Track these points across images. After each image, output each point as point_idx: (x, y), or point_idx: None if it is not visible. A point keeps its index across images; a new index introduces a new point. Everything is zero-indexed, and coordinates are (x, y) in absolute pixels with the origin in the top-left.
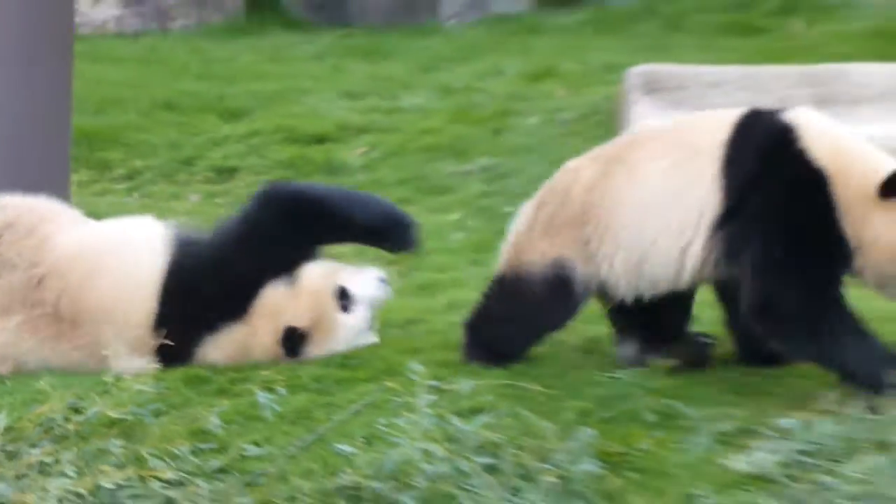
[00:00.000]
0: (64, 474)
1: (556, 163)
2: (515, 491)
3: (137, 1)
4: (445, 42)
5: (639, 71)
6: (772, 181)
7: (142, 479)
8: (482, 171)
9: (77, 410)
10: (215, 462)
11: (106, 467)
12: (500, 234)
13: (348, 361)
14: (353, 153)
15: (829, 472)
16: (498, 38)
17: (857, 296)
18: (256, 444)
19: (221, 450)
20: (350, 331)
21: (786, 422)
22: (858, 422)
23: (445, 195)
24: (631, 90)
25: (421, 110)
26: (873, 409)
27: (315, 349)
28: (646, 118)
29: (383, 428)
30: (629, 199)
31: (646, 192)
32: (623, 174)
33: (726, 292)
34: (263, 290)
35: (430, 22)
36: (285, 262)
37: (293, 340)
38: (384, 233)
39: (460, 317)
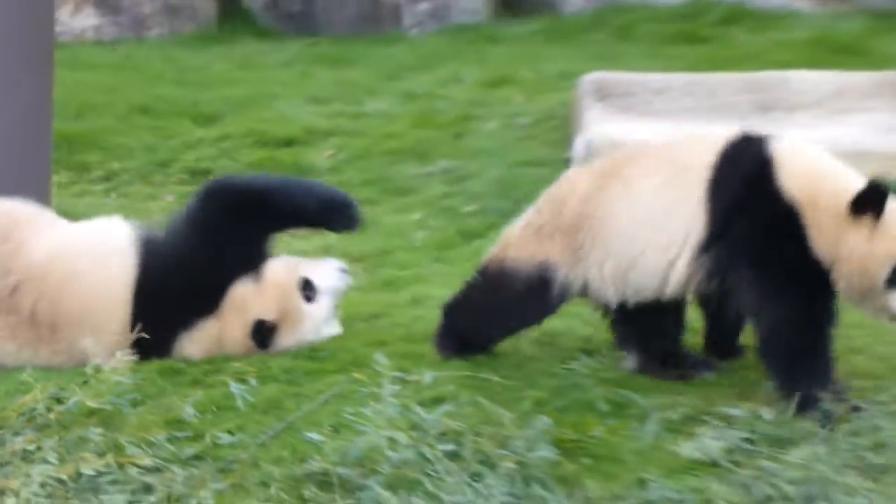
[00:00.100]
0: (46, 461)
1: (514, 165)
2: (476, 476)
3: (115, 11)
4: (408, 51)
5: (591, 78)
6: (751, 212)
7: (120, 465)
8: (443, 172)
9: (58, 400)
10: (190, 449)
11: (86, 454)
12: (461, 232)
13: (317, 354)
14: (320, 156)
15: (773, 459)
16: (457, 47)
17: None
18: (229, 432)
19: (196, 438)
20: (316, 320)
21: (731, 411)
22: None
23: (408, 196)
24: (583, 96)
25: (385, 115)
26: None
27: (284, 340)
28: (598, 123)
29: (350, 417)
30: (621, 211)
31: (638, 206)
32: (617, 187)
33: (709, 304)
34: (231, 286)
35: (393, 31)
36: (243, 256)
37: (263, 332)
38: (328, 215)
39: (423, 311)
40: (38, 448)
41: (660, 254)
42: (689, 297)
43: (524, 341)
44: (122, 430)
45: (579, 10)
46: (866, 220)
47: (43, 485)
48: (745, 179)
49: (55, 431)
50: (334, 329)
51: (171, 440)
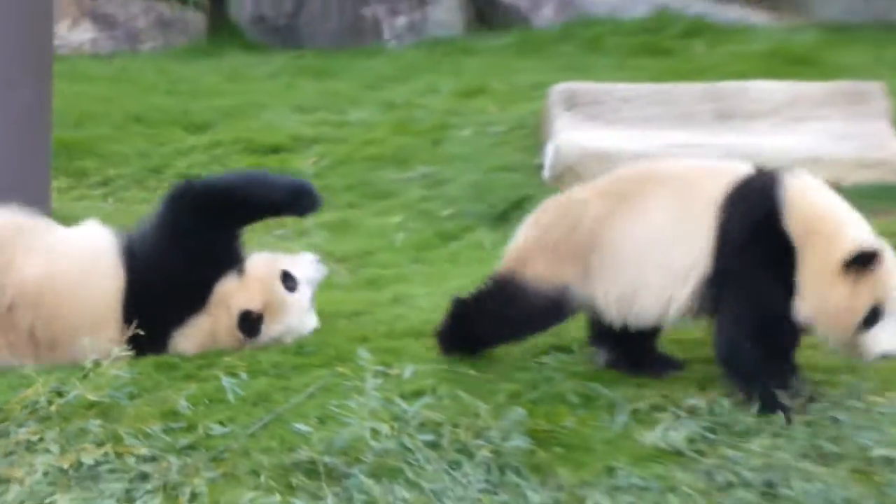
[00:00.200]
0: (48, 451)
1: (489, 170)
2: (454, 465)
3: (110, 25)
4: (388, 62)
5: (560, 88)
6: (751, 251)
7: (118, 455)
8: (422, 177)
9: (59, 394)
10: (184, 440)
11: (86, 445)
12: (439, 234)
13: (303, 349)
14: (305, 162)
15: (734, 447)
16: (434, 59)
17: None
18: (221, 423)
19: (189, 429)
20: (298, 309)
21: (693, 402)
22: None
23: (389, 200)
24: (553, 105)
25: (366, 123)
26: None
27: (270, 329)
28: (567, 130)
29: (335, 409)
30: (631, 239)
31: (647, 235)
32: (629, 214)
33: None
34: (217, 283)
35: (373, 44)
36: (222, 252)
37: (249, 322)
38: (292, 202)
39: (403, 309)
40: (41, 439)
41: (664, 285)
42: None
43: None
44: (120, 421)
45: (549, 23)
46: (852, 276)
47: (45, 473)
48: (753, 218)
49: (56, 423)
50: (313, 319)
51: (166, 431)
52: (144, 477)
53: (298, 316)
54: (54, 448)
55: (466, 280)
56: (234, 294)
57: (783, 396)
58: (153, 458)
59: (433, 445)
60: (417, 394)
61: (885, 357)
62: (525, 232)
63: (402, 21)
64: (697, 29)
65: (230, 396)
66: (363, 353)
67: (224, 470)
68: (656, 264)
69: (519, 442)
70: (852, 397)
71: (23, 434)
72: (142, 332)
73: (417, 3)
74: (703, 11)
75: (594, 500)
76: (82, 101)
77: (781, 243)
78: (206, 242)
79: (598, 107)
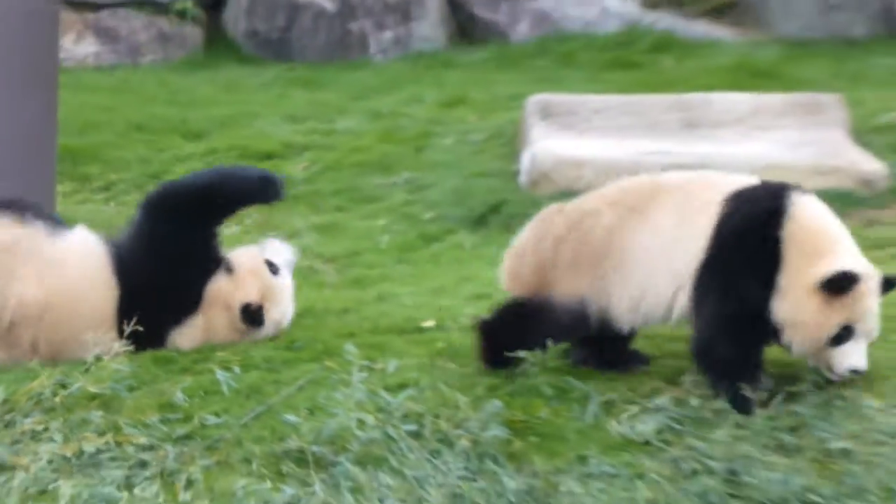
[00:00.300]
0: (52, 440)
1: (469, 176)
2: (435, 453)
3: (113, 39)
4: (374, 75)
5: (536, 99)
6: (740, 251)
7: (118, 444)
8: (406, 183)
9: (63, 386)
10: (181, 430)
11: (88, 434)
12: (422, 236)
13: (293, 345)
14: (296, 168)
15: (699, 438)
16: (418, 71)
17: None
18: (215, 414)
19: (186, 419)
20: (287, 291)
21: (661, 396)
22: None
23: (374, 203)
24: (530, 115)
25: (353, 132)
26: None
27: (270, 315)
28: (542, 139)
29: (323, 401)
30: (641, 245)
31: (653, 239)
32: (637, 221)
33: None
34: (207, 282)
35: (360, 58)
36: (207, 249)
37: (252, 314)
38: (261, 193)
39: (388, 306)
40: (45, 428)
41: (668, 286)
42: None
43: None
44: (120, 412)
45: (525, 38)
46: (827, 295)
47: (49, 461)
48: (751, 219)
49: (60, 414)
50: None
51: (163, 421)
52: (143, 465)
53: (289, 298)
54: (58, 437)
55: (447, 279)
56: (229, 292)
57: (747, 391)
58: (151, 447)
59: (415, 435)
60: (401, 386)
61: (853, 372)
62: (534, 246)
63: (387, 35)
64: (665, 44)
65: (224, 389)
66: (350, 348)
67: (218, 458)
68: (661, 268)
69: (496, 432)
70: (811, 392)
71: (28, 424)
72: (140, 329)
73: (402, 18)
74: (671, 27)
75: (567, 486)
76: (86, 110)
77: (771, 248)
78: (189, 243)
79: (572, 117)
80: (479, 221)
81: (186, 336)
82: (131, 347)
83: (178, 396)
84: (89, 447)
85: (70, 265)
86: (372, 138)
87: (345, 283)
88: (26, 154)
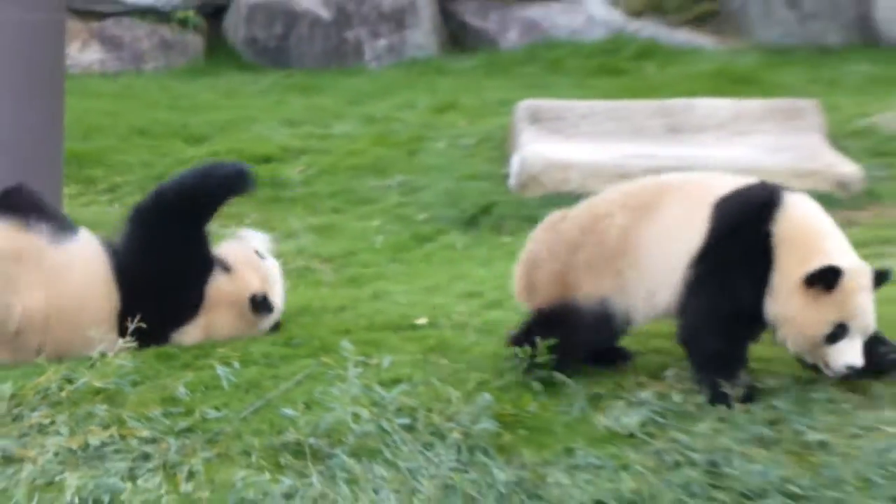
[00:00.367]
0: (58, 433)
1: (460, 179)
2: (428, 446)
3: (117, 47)
4: (368, 81)
5: (525, 105)
6: (733, 246)
7: (122, 437)
8: (399, 185)
9: (69, 381)
10: (182, 423)
11: (93, 427)
12: (415, 236)
13: (291, 341)
14: (293, 171)
15: (681, 431)
16: (411, 78)
17: None
18: (216, 408)
19: (187, 413)
20: (278, 272)
21: (645, 390)
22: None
23: (369, 205)
24: (519, 120)
25: (349, 136)
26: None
27: (274, 299)
28: (531, 143)
29: (320, 395)
30: (653, 243)
31: (663, 236)
32: (650, 220)
33: None
34: (207, 283)
35: (356, 64)
36: (199, 252)
37: (260, 303)
38: (240, 185)
39: (383, 304)
40: (52, 422)
41: (673, 275)
42: None
43: (468, 330)
44: (124, 406)
45: (515, 46)
46: (816, 291)
47: (56, 453)
48: (743, 215)
49: (66, 408)
50: None
51: (165, 415)
52: (146, 457)
53: (281, 279)
54: (64, 430)
55: (439, 278)
56: (232, 289)
57: (727, 386)
58: (154, 440)
59: (409, 428)
60: (395, 381)
61: (849, 369)
62: (548, 254)
63: (382, 43)
64: (649, 51)
65: (224, 384)
66: (346, 345)
67: (219, 451)
68: (670, 262)
69: (487, 425)
70: (788, 386)
71: (35, 417)
72: (144, 328)
73: (396, 27)
74: (655, 35)
75: (555, 477)
76: (91, 115)
77: (763, 245)
78: (185, 247)
79: (560, 122)
80: (470, 222)
81: (189, 336)
82: (134, 344)
83: (180, 391)
84: (94, 440)
85: (74, 273)
86: (367, 142)
87: (341, 282)
88: (34, 157)
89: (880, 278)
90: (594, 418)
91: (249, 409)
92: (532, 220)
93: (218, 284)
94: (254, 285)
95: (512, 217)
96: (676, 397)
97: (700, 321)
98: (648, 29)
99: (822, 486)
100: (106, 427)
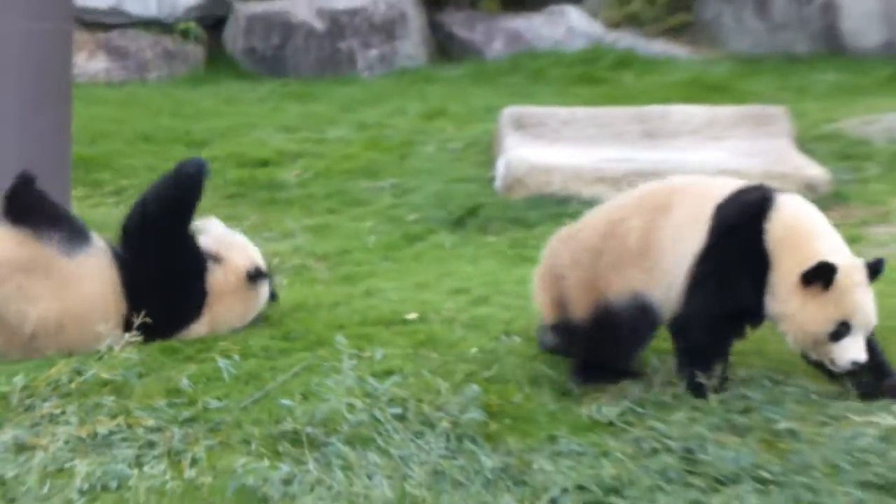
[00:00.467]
0: (68, 422)
1: (448, 181)
2: (418, 434)
3: (122, 57)
4: (361, 89)
5: (509, 111)
6: (728, 246)
7: (129, 426)
8: (391, 187)
9: (78, 373)
10: (186, 413)
11: (101, 417)
12: (406, 236)
13: (288, 335)
14: (290, 174)
15: (659, 420)
16: (401, 86)
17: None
18: (217, 399)
19: (190, 403)
20: (251, 244)
21: (623, 381)
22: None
23: (362, 206)
24: (504, 126)
25: (343, 141)
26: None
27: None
28: (515, 147)
29: (316, 386)
30: (667, 242)
31: (674, 232)
32: (664, 220)
33: None
34: (208, 280)
35: (349, 74)
36: (195, 251)
37: (255, 276)
38: (203, 178)
39: (375, 301)
40: (62, 412)
41: (683, 271)
42: None
43: (456, 325)
44: (131, 397)
45: (500, 56)
46: (816, 289)
47: (66, 442)
48: (739, 217)
49: (76, 398)
50: None
51: (170, 405)
52: (151, 445)
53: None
54: (74, 420)
55: (429, 275)
56: (229, 277)
57: (703, 378)
58: (159, 429)
59: (400, 418)
60: (387, 373)
61: (854, 365)
62: (572, 264)
63: (373, 53)
64: (627, 61)
65: (225, 376)
66: (340, 339)
67: (220, 439)
68: (680, 261)
69: (474, 415)
70: (760, 377)
71: (47, 408)
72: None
73: (387, 37)
74: (632, 46)
75: (539, 464)
76: (98, 121)
77: (759, 244)
78: (177, 250)
79: (542, 128)
80: (457, 223)
81: (195, 332)
82: (140, 338)
83: (184, 383)
84: (102, 429)
85: (84, 282)
86: (360, 147)
87: (335, 280)
88: (44, 162)
89: (874, 270)
90: (576, 408)
91: (249, 399)
92: (516, 221)
93: (215, 278)
94: (244, 264)
95: (497, 218)
96: (655, 388)
97: (692, 315)
98: (626, 40)
99: (792, 472)
100: (113, 417)
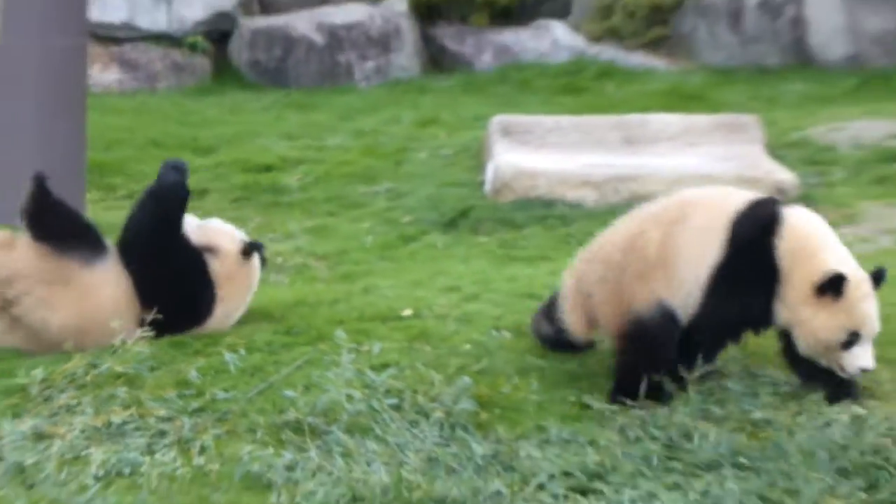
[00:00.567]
0: (84, 413)
1: (440, 186)
2: (413, 423)
3: (134, 68)
4: (358, 99)
5: (498, 120)
6: (743, 259)
7: (141, 416)
8: (387, 191)
9: (94, 366)
10: (195, 404)
11: (115, 408)
12: (401, 237)
13: (291, 330)
14: (292, 179)
15: (643, 409)
16: (396, 96)
17: None
18: (224, 390)
19: (199, 395)
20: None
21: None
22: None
23: (359, 209)
24: (492, 133)
25: (341, 147)
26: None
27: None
28: (503, 153)
29: (317, 378)
30: (683, 252)
31: (689, 243)
32: (680, 231)
33: None
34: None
35: (347, 84)
36: (192, 250)
37: (250, 248)
38: (184, 180)
39: (373, 298)
40: (78, 403)
41: (699, 281)
42: None
43: (448, 321)
44: (143, 389)
45: (488, 68)
46: (827, 300)
47: (82, 431)
48: (749, 231)
49: (91, 390)
50: None
51: (180, 396)
52: (162, 434)
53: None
54: (89, 410)
55: (423, 274)
56: (228, 268)
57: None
58: (169, 419)
59: (396, 408)
60: (384, 366)
61: (864, 371)
62: (600, 280)
63: (370, 65)
64: (608, 72)
65: (231, 368)
66: (340, 334)
67: (227, 428)
68: (693, 263)
69: (466, 405)
70: (738, 369)
71: (64, 399)
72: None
73: (382, 50)
74: (613, 58)
75: (527, 451)
76: (111, 129)
77: (768, 258)
78: (176, 256)
79: (529, 135)
80: (449, 224)
81: (212, 328)
82: (151, 333)
83: (192, 375)
84: (116, 419)
85: (103, 289)
86: (357, 153)
87: (335, 278)
88: (60, 167)
89: (877, 280)
90: (560, 398)
91: (254, 390)
92: (505, 223)
93: (216, 269)
94: (233, 245)
95: (487, 220)
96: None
97: (708, 322)
98: (607, 52)
99: (769, 459)
100: (126, 407)
